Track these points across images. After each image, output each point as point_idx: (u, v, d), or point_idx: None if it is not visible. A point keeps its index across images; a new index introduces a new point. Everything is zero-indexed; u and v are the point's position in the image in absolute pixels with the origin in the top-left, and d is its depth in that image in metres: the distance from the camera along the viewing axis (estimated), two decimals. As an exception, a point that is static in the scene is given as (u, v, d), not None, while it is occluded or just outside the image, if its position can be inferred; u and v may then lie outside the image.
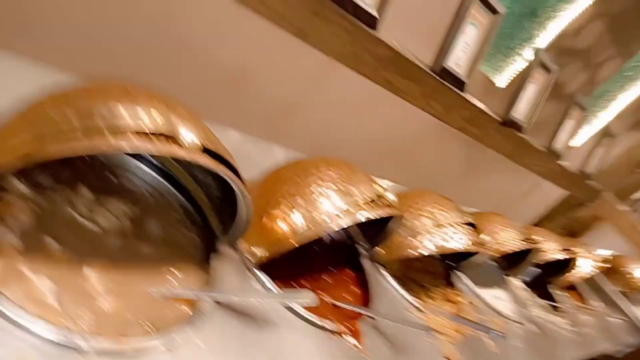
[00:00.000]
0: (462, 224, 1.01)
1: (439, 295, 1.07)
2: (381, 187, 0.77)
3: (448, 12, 1.07)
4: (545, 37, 1.59)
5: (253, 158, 1.04)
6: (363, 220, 0.70)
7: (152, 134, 0.46)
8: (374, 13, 0.85)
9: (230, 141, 0.99)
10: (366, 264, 0.92)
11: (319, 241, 0.89)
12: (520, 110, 1.35)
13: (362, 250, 0.94)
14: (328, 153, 0.84)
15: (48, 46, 0.74)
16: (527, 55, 1.46)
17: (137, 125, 0.46)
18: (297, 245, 0.67)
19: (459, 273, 1.15)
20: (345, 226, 0.70)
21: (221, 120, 0.81)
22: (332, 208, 0.71)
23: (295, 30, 0.78)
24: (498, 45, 1.43)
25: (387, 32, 0.91)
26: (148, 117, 0.47)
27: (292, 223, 0.69)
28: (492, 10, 1.10)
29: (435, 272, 1.13)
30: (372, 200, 0.74)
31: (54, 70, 0.72)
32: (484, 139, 1.32)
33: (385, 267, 0.96)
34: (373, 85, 0.97)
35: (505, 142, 1.37)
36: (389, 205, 0.76)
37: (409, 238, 0.96)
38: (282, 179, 0.76)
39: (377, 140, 1.29)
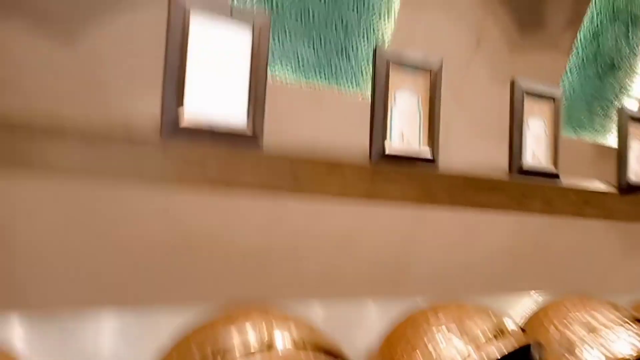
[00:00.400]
0: (625, 321, 0.88)
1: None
2: (499, 316, 0.73)
3: (504, 113, 1.09)
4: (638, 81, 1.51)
5: (375, 320, 1.05)
6: (489, 361, 0.66)
7: (254, 348, 0.53)
8: (429, 156, 0.91)
9: (347, 309, 1.04)
10: (528, 401, 0.82)
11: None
12: (637, 170, 1.22)
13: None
14: (449, 291, 0.84)
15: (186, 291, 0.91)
16: (629, 105, 1.40)
17: (242, 344, 0.53)
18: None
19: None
20: (474, 372, 0.66)
21: (340, 292, 0.87)
22: (454, 353, 0.68)
23: (363, 197, 0.87)
24: (591, 109, 1.40)
25: (450, 158, 0.95)
26: (253, 333, 0.55)
27: (419, 383, 0.67)
28: (548, 97, 1.11)
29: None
30: (496, 334, 0.70)
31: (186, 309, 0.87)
32: (611, 215, 1.20)
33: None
34: (459, 212, 0.99)
35: (637, 209, 1.21)
36: (515, 334, 0.71)
37: (567, 355, 0.85)
38: (398, 337, 0.76)
39: (496, 257, 1.24)
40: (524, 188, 1.05)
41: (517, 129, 1.06)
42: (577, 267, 1.35)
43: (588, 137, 1.57)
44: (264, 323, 0.55)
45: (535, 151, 1.08)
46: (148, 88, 0.64)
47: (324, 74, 1.25)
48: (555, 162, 1.09)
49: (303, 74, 1.23)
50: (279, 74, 1.19)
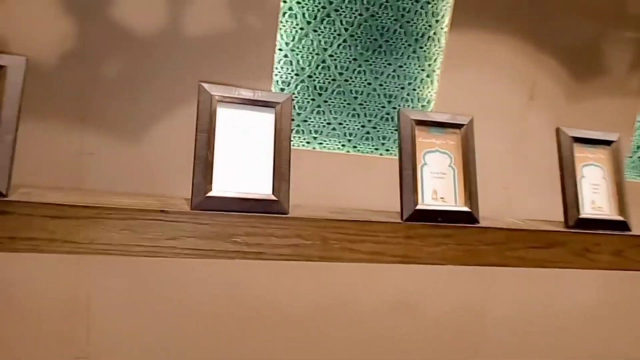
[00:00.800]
0: None
1: None
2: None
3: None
4: None
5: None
6: None
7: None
8: (465, 208, 0.89)
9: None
10: None
11: None
12: None
13: None
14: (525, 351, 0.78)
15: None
16: None
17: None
18: None
19: None
20: None
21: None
22: None
23: (400, 260, 0.87)
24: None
25: (508, 214, 0.92)
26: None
27: None
28: (603, 142, 1.04)
29: None
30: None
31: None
32: None
33: None
34: (509, 270, 0.93)
35: None
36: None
37: None
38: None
39: (567, 319, 1.12)
40: (586, 240, 0.97)
41: (570, 178, 1.00)
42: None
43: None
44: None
45: (595, 200, 1.01)
46: (185, 167, 0.74)
47: (370, 142, 1.30)
48: (621, 210, 1.00)
49: (350, 143, 1.29)
50: (325, 146, 1.27)
